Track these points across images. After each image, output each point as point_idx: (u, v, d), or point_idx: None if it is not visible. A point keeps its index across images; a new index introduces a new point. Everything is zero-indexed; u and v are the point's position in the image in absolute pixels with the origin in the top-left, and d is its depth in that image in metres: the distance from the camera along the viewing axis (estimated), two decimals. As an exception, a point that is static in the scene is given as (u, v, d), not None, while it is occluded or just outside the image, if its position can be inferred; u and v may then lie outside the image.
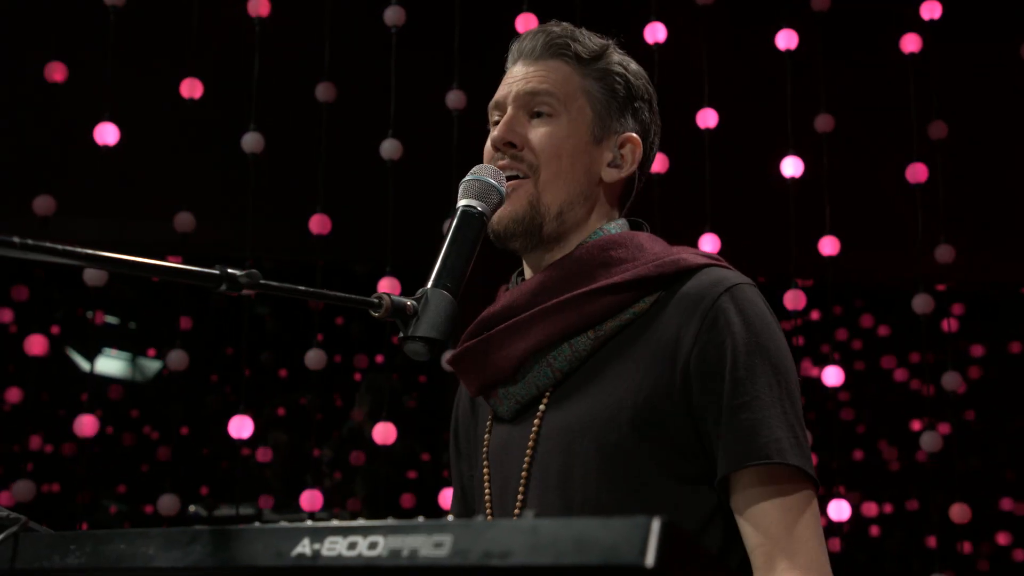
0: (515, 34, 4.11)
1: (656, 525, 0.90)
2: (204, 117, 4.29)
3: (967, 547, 6.22)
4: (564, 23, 2.04)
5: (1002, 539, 6.74)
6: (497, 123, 2.00)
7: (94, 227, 4.34)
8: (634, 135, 2.00)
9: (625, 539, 0.90)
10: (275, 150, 4.19)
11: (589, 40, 2.01)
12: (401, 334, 1.69)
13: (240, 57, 4.18)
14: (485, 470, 1.98)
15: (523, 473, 1.88)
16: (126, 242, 4.63)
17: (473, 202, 1.84)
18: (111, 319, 8.21)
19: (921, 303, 4.23)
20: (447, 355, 2.02)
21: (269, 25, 4.16)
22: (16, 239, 1.23)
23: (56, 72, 4.20)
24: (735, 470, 1.74)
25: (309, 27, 4.43)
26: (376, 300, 1.65)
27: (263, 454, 6.49)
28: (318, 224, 4.18)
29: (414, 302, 1.69)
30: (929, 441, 4.21)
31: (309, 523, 1.10)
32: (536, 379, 1.89)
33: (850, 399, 6.98)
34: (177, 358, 4.10)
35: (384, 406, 4.25)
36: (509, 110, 1.97)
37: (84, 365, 8.18)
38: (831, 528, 4.69)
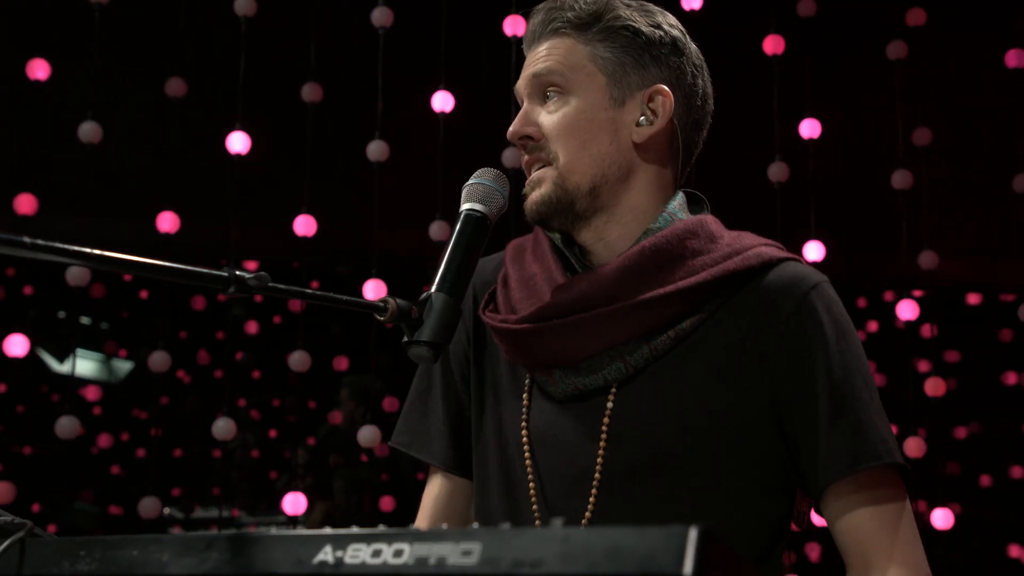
0: (502, 36, 4.13)
1: (694, 534, 0.89)
2: (188, 116, 4.26)
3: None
4: None
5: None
6: None
7: (76, 226, 4.29)
8: (660, 85, 1.88)
9: (662, 548, 0.89)
10: (260, 151, 4.16)
11: (582, 4, 1.90)
12: (405, 338, 1.67)
13: (225, 56, 4.16)
14: (525, 443, 1.88)
15: (598, 468, 1.79)
16: (108, 242, 4.59)
17: (476, 205, 1.81)
18: (84, 320, 8.17)
19: (906, 309, 4.24)
20: (491, 319, 1.88)
21: (255, 25, 4.13)
22: (26, 239, 1.21)
23: (39, 70, 4.16)
24: (849, 473, 1.71)
25: (295, 27, 4.41)
26: (382, 304, 1.63)
27: (241, 456, 6.48)
28: (303, 225, 4.16)
29: (418, 306, 1.68)
30: (912, 447, 4.21)
31: (329, 530, 1.08)
32: (607, 372, 1.80)
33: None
34: (159, 359, 4.06)
35: (368, 409, 4.23)
36: (524, 104, 1.91)
37: (55, 365, 8.14)
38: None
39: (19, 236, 1.20)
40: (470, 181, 1.85)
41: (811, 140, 4.38)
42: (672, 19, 1.96)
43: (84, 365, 8.63)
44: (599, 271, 1.82)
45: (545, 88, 1.89)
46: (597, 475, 1.80)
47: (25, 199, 4.05)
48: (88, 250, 1.28)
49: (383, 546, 1.02)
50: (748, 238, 1.86)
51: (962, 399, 6.83)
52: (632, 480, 1.78)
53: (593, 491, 1.80)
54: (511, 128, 1.90)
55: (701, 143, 1.99)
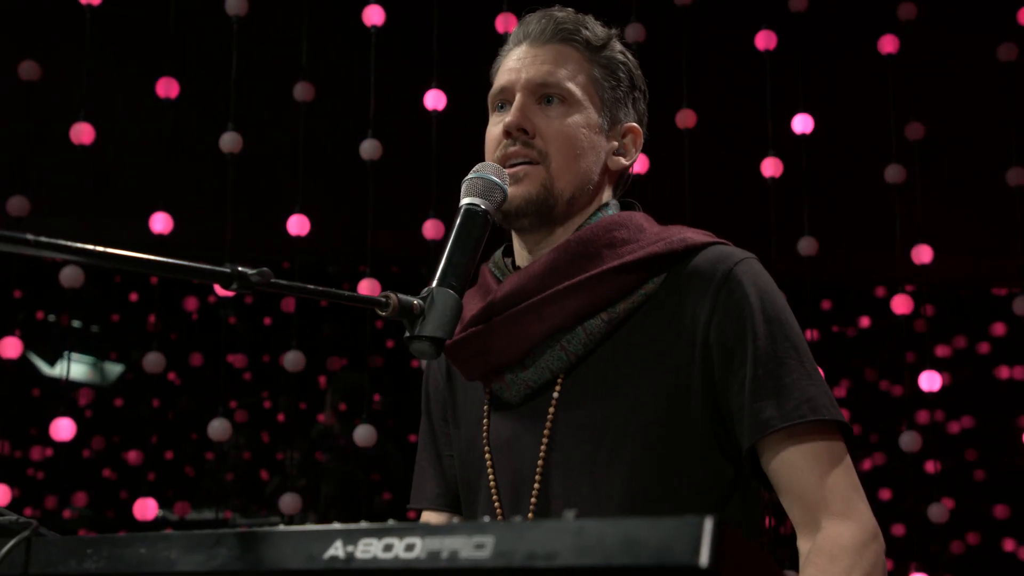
0: (495, 35, 4.12)
1: (709, 524, 0.88)
2: (181, 116, 4.24)
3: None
4: (569, 8, 2.03)
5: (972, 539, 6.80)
6: (501, 108, 1.97)
7: (69, 227, 4.28)
8: (636, 125, 2.02)
9: (678, 539, 0.89)
10: (253, 150, 4.15)
11: (597, 28, 2.00)
12: (407, 333, 1.67)
13: (217, 56, 4.14)
14: (488, 458, 1.94)
15: (539, 461, 1.85)
16: (101, 242, 4.57)
17: (476, 200, 1.82)
18: (74, 322, 8.13)
19: (900, 303, 4.24)
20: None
21: (246, 24, 4.12)
22: (29, 236, 1.21)
23: (31, 71, 4.15)
24: (772, 431, 1.74)
25: (287, 26, 4.39)
26: (384, 299, 1.63)
27: (234, 457, 6.45)
28: (296, 224, 4.15)
29: (420, 301, 1.68)
30: (908, 441, 4.22)
31: (339, 525, 1.07)
32: (549, 363, 1.86)
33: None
34: (153, 361, 4.05)
35: (361, 407, 4.22)
36: (519, 97, 1.93)
37: (45, 368, 8.10)
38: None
39: (22, 233, 1.20)
40: (470, 175, 1.86)
41: (804, 135, 4.38)
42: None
43: (75, 368, 8.60)
44: (530, 267, 1.90)
45: (546, 92, 1.94)
46: (539, 465, 1.86)
47: (17, 201, 4.04)
48: (90, 247, 1.28)
49: (394, 540, 1.02)
50: (676, 229, 1.94)
51: (955, 393, 6.84)
52: (573, 468, 1.84)
53: (536, 483, 1.86)
54: (511, 118, 1.92)
55: None
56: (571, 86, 1.93)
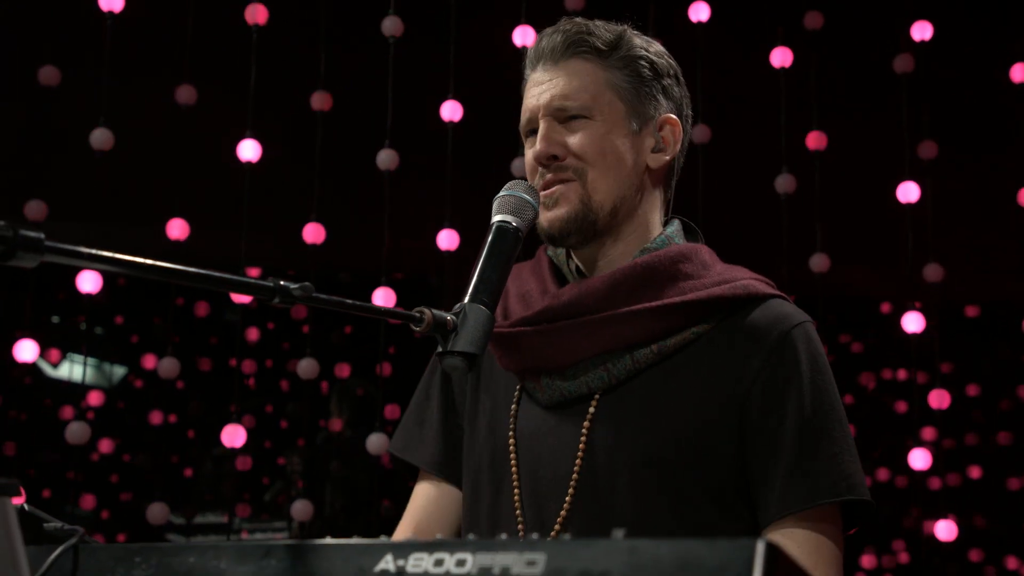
0: (512, 47, 4.14)
1: (761, 547, 0.90)
2: (199, 124, 4.26)
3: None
4: (577, 19, 2.02)
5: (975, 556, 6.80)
6: (532, 135, 1.99)
7: (86, 233, 4.29)
8: (671, 116, 1.99)
9: (730, 560, 0.90)
10: (270, 159, 4.17)
11: (604, 30, 1.98)
12: (440, 348, 1.69)
13: (236, 65, 4.16)
14: (511, 449, 1.95)
15: (574, 476, 1.86)
16: (117, 248, 4.58)
17: (508, 217, 1.83)
18: (81, 325, 8.13)
19: (911, 321, 4.26)
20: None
21: (265, 33, 4.14)
22: (83, 249, 1.22)
23: (50, 77, 4.17)
24: (808, 507, 1.76)
25: (305, 36, 4.41)
26: (418, 315, 1.64)
27: (242, 462, 6.45)
28: (312, 233, 4.16)
29: (454, 317, 1.69)
30: (918, 459, 4.23)
31: (384, 539, 1.09)
32: (590, 380, 1.88)
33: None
34: (167, 366, 4.06)
35: (369, 411, 4.23)
36: (542, 124, 1.95)
37: (49, 370, 8.11)
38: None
39: (77, 247, 1.21)
40: (502, 193, 1.87)
41: (818, 152, 4.40)
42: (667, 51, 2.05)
43: (78, 370, 8.60)
44: (591, 281, 1.90)
45: (566, 112, 1.94)
46: (574, 480, 1.86)
47: (35, 205, 4.06)
48: (139, 260, 1.30)
49: (445, 555, 1.04)
50: (739, 271, 1.94)
51: (961, 411, 6.85)
52: (604, 488, 1.84)
53: (568, 496, 1.86)
54: (539, 148, 1.94)
55: None
56: (589, 101, 1.93)
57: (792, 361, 1.82)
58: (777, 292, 1.93)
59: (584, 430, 1.87)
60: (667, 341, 1.86)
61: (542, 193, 1.92)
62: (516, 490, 1.93)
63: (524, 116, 2.02)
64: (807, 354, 1.83)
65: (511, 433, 1.96)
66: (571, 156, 1.92)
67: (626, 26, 2.02)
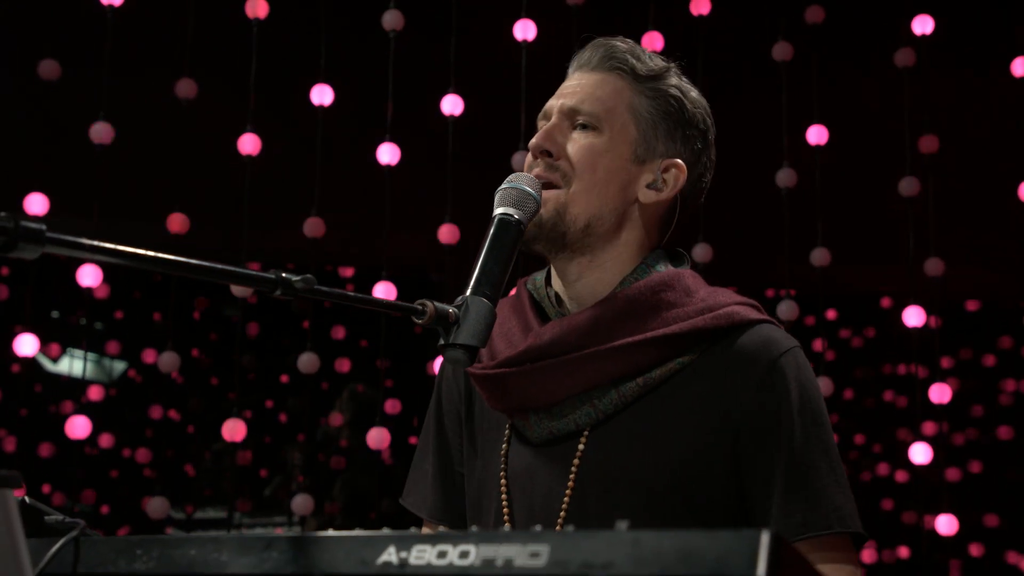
0: (512, 41, 4.14)
1: (766, 538, 0.90)
2: (199, 118, 4.25)
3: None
4: (629, 40, 2.02)
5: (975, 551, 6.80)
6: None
7: (86, 227, 4.28)
8: (679, 161, 1.96)
9: (735, 552, 0.90)
10: (271, 153, 4.17)
11: (649, 59, 1.98)
12: (441, 341, 1.68)
13: (236, 58, 4.16)
14: (503, 486, 1.95)
15: (562, 513, 1.86)
16: (117, 242, 4.57)
17: (510, 210, 1.82)
18: (81, 320, 8.12)
19: (912, 315, 4.25)
20: (472, 368, 1.95)
21: (266, 27, 4.14)
22: (85, 240, 1.22)
23: (50, 70, 4.16)
24: (797, 538, 1.76)
25: (306, 30, 4.41)
26: (420, 307, 1.64)
27: (242, 457, 6.45)
28: (312, 228, 4.16)
29: (455, 309, 1.69)
30: (919, 453, 4.23)
31: (388, 531, 1.09)
32: (577, 417, 1.87)
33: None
34: (168, 360, 4.06)
35: (374, 413, 4.23)
36: (553, 119, 1.95)
37: (49, 365, 8.10)
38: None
39: (78, 239, 1.21)
40: (503, 185, 1.86)
41: (818, 147, 4.40)
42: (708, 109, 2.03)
43: (78, 365, 8.60)
44: (573, 317, 1.89)
45: (578, 118, 1.94)
46: (562, 516, 1.86)
47: (35, 199, 4.05)
48: (140, 251, 1.29)
49: (448, 547, 1.03)
50: (723, 295, 1.92)
51: (962, 406, 6.85)
52: (594, 522, 1.83)
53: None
54: (536, 139, 1.94)
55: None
56: (602, 113, 1.93)
57: (782, 390, 1.81)
58: (763, 317, 1.92)
59: (574, 467, 1.87)
60: (652, 373, 1.85)
61: None
62: (507, 527, 1.91)
63: (543, 110, 2.02)
64: (796, 382, 1.83)
65: (503, 473, 1.96)
66: (564, 160, 1.92)
67: (673, 65, 2.01)
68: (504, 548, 1.00)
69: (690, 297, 1.90)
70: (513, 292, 2.07)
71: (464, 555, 1.02)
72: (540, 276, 2.05)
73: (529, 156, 1.97)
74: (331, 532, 1.11)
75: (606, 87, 1.96)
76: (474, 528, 1.06)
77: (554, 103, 1.98)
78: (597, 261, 1.94)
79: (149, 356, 6.87)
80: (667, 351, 1.84)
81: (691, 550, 0.91)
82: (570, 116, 1.95)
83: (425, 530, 2.10)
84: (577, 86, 1.97)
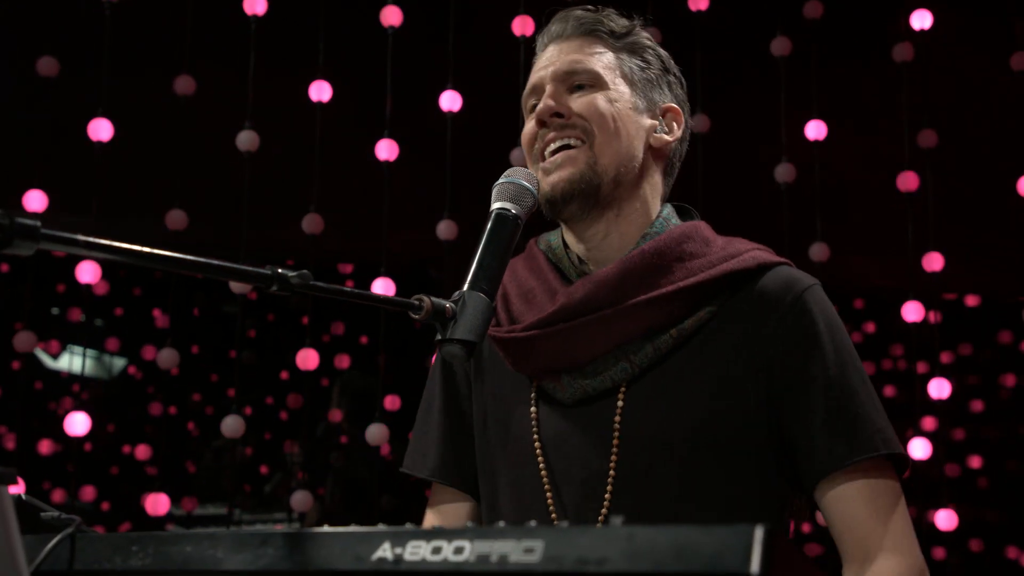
0: (511, 37, 4.13)
1: (760, 533, 0.90)
2: (198, 114, 4.25)
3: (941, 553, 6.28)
4: (589, 6, 2.06)
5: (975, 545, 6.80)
6: (535, 107, 1.99)
7: (85, 223, 4.28)
8: (674, 105, 2.04)
9: (729, 547, 0.90)
10: (269, 149, 4.16)
11: (617, 18, 2.03)
12: (439, 336, 1.68)
13: (235, 55, 4.15)
14: (538, 455, 1.91)
15: (611, 472, 1.84)
16: (116, 238, 4.57)
17: (507, 205, 1.82)
18: (81, 316, 8.13)
19: (911, 311, 4.25)
20: (496, 330, 1.95)
21: (264, 23, 4.13)
22: (80, 237, 1.22)
23: (49, 67, 4.16)
24: (848, 463, 1.77)
25: (304, 26, 4.41)
26: (417, 302, 1.64)
27: (242, 454, 6.47)
28: (311, 224, 4.16)
29: (452, 304, 1.68)
30: (918, 448, 4.23)
31: (384, 527, 1.09)
32: (613, 374, 1.87)
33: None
34: (167, 357, 4.06)
35: (367, 401, 4.23)
36: (548, 87, 1.97)
37: (49, 362, 8.11)
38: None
39: (73, 235, 1.21)
40: (501, 180, 1.86)
41: (817, 141, 4.40)
42: None
43: (78, 361, 8.60)
44: (601, 274, 1.89)
45: (574, 81, 1.96)
46: (611, 476, 1.84)
47: (34, 196, 4.05)
48: (135, 248, 1.29)
49: (443, 543, 1.03)
50: (740, 243, 1.96)
51: (962, 401, 6.85)
52: (644, 479, 1.83)
53: (608, 493, 1.84)
54: (542, 106, 1.95)
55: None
56: (599, 69, 1.96)
57: (809, 323, 1.83)
58: (782, 259, 1.94)
59: (616, 425, 1.86)
60: (684, 324, 1.86)
61: (547, 160, 1.93)
62: (548, 492, 1.90)
63: (528, 87, 2.03)
64: (822, 315, 1.85)
65: (536, 436, 1.93)
66: (576, 116, 1.93)
67: (637, 21, 2.06)
68: (499, 544, 1.00)
69: (709, 247, 1.92)
70: (524, 254, 2.07)
71: (459, 551, 1.02)
72: (555, 237, 2.05)
73: (533, 125, 1.98)
74: (326, 528, 1.11)
75: (591, 48, 1.99)
76: (469, 524, 1.05)
77: (543, 74, 1.99)
78: (624, 213, 1.96)
79: (149, 353, 6.88)
80: (698, 299, 1.86)
81: (685, 545, 0.91)
82: (565, 80, 1.97)
83: (435, 493, 2.07)
84: (560, 53, 1.99)
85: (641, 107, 1.98)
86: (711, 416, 1.82)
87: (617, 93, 1.95)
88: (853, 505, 1.77)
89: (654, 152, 2.00)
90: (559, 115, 1.93)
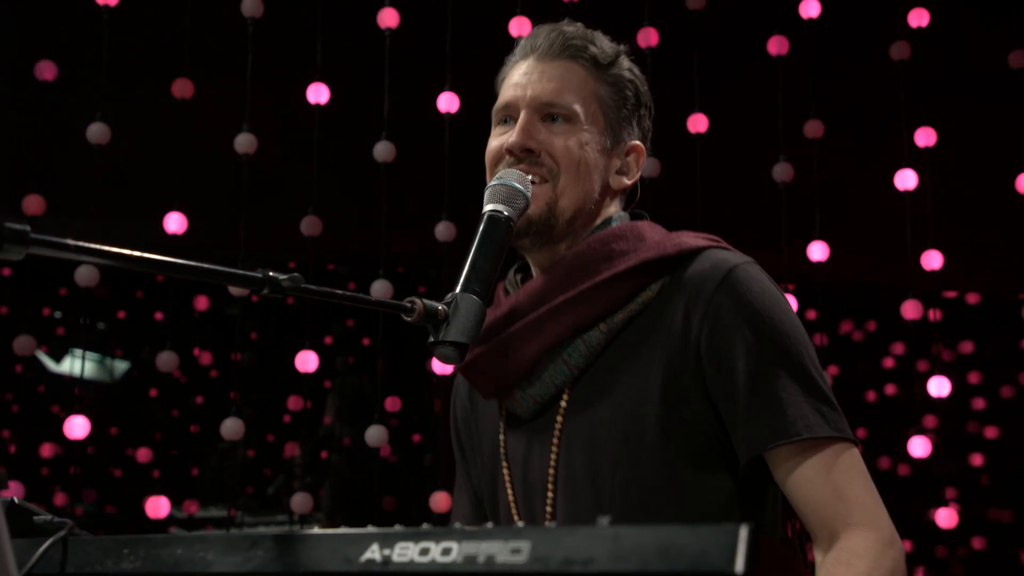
0: (508, 38, 4.13)
1: (744, 532, 0.90)
2: (196, 117, 4.25)
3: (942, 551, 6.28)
4: (579, 23, 2.02)
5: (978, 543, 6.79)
6: (505, 122, 1.98)
7: (83, 226, 4.28)
8: (639, 143, 2.01)
9: (713, 546, 0.90)
10: (267, 151, 4.17)
11: (605, 44, 1.99)
12: (431, 338, 1.69)
13: (233, 57, 4.16)
14: (505, 471, 1.98)
15: (550, 472, 1.88)
16: (115, 242, 4.57)
17: (500, 207, 1.83)
18: (80, 319, 8.13)
19: (910, 309, 4.25)
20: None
21: (262, 25, 4.13)
22: (70, 242, 1.22)
23: (47, 71, 4.17)
24: (766, 450, 1.75)
25: (302, 28, 4.41)
26: (409, 305, 1.65)
27: (243, 456, 6.46)
28: (309, 226, 4.16)
29: (445, 306, 1.69)
30: (918, 447, 4.23)
31: (372, 528, 1.09)
32: (553, 378, 1.88)
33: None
34: (166, 360, 4.06)
35: (360, 401, 4.23)
36: (523, 114, 1.93)
37: (52, 365, 8.11)
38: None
39: (63, 239, 1.21)
40: (493, 182, 1.86)
41: (815, 140, 4.40)
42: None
43: (80, 365, 8.59)
44: (528, 284, 1.92)
45: (552, 111, 1.93)
46: (551, 475, 1.88)
47: (32, 199, 4.05)
48: (126, 252, 1.30)
49: (431, 544, 1.03)
50: (680, 235, 1.93)
51: (962, 399, 6.85)
52: (584, 476, 1.85)
53: (549, 492, 1.88)
54: (515, 139, 1.92)
55: None
56: (577, 107, 1.93)
57: (732, 304, 1.79)
58: (715, 242, 1.92)
59: (557, 427, 1.89)
60: (614, 318, 1.86)
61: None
62: (513, 508, 1.96)
63: (502, 100, 2.00)
64: (747, 295, 1.80)
65: (503, 458, 1.99)
66: (547, 155, 1.91)
67: (623, 48, 2.03)
68: (486, 545, 1.00)
69: (643, 242, 1.90)
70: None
71: (446, 552, 1.02)
72: (511, 271, 2.08)
73: (499, 145, 1.96)
74: (316, 530, 1.11)
75: (573, 77, 1.95)
76: (457, 525, 1.06)
77: (519, 95, 1.95)
78: (577, 241, 1.95)
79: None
80: (622, 291, 1.85)
81: (670, 545, 0.92)
82: (541, 110, 1.93)
83: None
84: (541, 76, 1.95)
85: (608, 147, 1.96)
86: (648, 406, 1.81)
87: (589, 135, 1.92)
88: (810, 486, 1.73)
89: (611, 191, 1.99)
90: (530, 151, 1.91)
